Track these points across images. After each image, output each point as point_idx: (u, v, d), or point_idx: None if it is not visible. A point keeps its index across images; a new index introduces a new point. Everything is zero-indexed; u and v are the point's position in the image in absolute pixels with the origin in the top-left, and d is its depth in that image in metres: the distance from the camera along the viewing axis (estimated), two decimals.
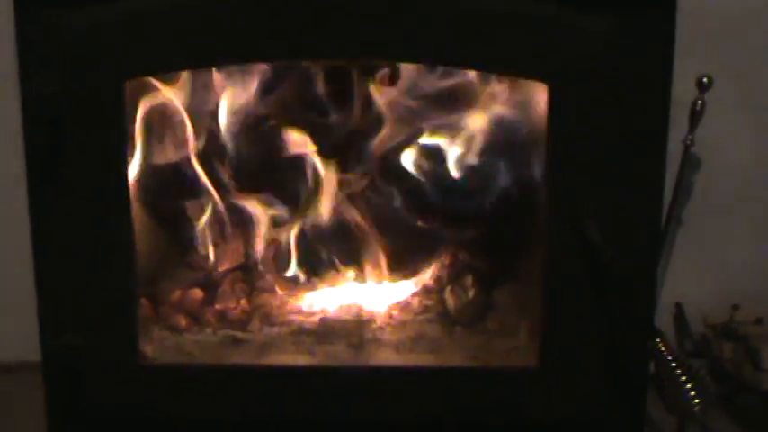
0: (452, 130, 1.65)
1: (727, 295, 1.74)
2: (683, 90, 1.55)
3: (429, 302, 1.68)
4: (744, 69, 1.72)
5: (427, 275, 1.70)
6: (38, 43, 1.40)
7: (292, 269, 1.70)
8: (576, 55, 1.41)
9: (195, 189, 1.66)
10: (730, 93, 1.69)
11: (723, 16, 1.69)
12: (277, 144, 1.66)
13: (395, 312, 1.66)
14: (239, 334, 1.60)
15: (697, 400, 1.43)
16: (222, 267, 1.69)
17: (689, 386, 1.42)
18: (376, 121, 1.65)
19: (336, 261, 1.70)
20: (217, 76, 1.62)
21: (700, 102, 1.61)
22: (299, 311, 1.66)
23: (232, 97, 1.63)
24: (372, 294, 1.68)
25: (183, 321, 1.62)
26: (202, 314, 1.64)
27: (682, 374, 1.43)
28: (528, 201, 1.56)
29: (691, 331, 1.78)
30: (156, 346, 1.56)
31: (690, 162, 1.66)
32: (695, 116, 1.62)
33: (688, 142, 1.63)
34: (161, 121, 1.60)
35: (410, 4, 1.39)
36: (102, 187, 1.45)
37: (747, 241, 1.79)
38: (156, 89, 1.56)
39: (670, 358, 1.44)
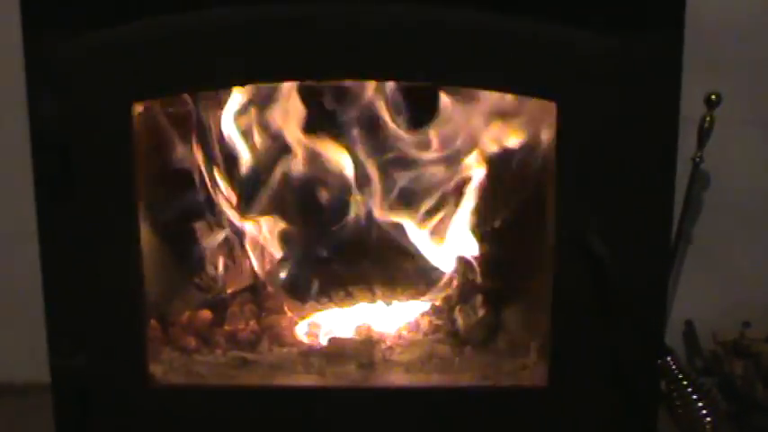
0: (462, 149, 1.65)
1: (737, 312, 1.74)
2: (692, 107, 1.55)
3: (439, 322, 1.68)
4: (752, 85, 1.71)
5: (437, 295, 1.70)
6: (45, 67, 1.40)
7: (302, 290, 1.70)
8: (585, 73, 1.41)
9: (205, 210, 1.67)
10: (739, 109, 1.69)
11: (732, 33, 1.69)
12: (287, 164, 1.67)
13: (404, 332, 1.66)
14: (248, 355, 1.60)
15: (708, 419, 1.42)
16: (231, 288, 1.70)
17: (700, 404, 1.42)
18: (386, 141, 1.65)
19: (346, 281, 1.70)
20: (227, 97, 1.62)
21: (708, 119, 1.61)
22: (309, 332, 1.66)
23: (242, 117, 1.63)
24: (382, 314, 1.68)
25: (192, 342, 1.62)
26: (212, 335, 1.64)
27: (693, 393, 1.42)
28: (537, 219, 1.56)
29: (701, 349, 1.77)
30: (165, 368, 1.56)
31: (699, 178, 1.66)
32: (704, 133, 1.62)
33: (697, 159, 1.63)
34: (170, 141, 1.60)
35: (418, 24, 1.40)
36: (111, 209, 1.45)
37: (757, 258, 1.78)
38: (166, 109, 1.57)
39: (681, 376, 1.44)
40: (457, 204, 1.68)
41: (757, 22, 1.69)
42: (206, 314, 1.67)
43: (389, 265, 1.69)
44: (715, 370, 1.72)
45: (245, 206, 1.68)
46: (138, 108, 1.46)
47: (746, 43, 1.70)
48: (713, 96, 1.60)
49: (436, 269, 1.69)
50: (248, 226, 1.69)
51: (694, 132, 1.62)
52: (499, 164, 1.64)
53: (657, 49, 1.41)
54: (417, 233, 1.68)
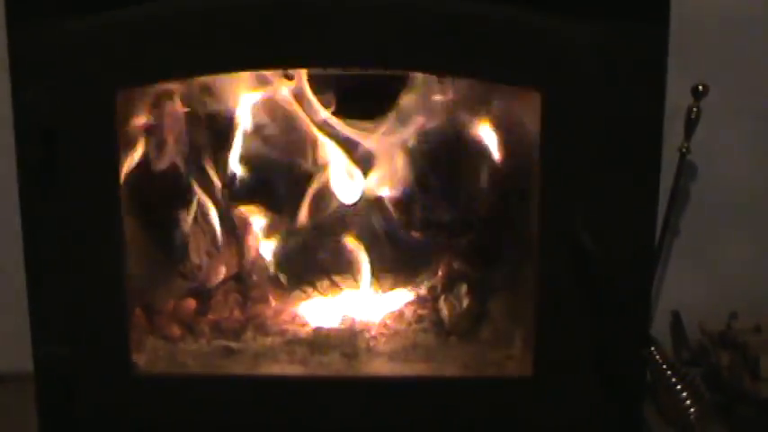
0: (445, 139, 1.64)
1: (724, 303, 1.74)
2: (679, 97, 1.54)
3: (423, 312, 1.67)
4: (740, 76, 1.71)
5: (421, 285, 1.70)
6: (30, 53, 1.40)
7: (285, 279, 1.69)
8: (570, 63, 1.40)
9: (189, 198, 1.66)
10: (727, 100, 1.68)
11: (719, 23, 1.69)
12: (271, 153, 1.66)
13: (389, 322, 1.65)
14: (233, 344, 1.59)
15: (693, 409, 1.43)
16: (216, 277, 1.69)
17: (684, 394, 1.42)
18: (369, 131, 1.65)
19: (330, 270, 1.70)
20: (212, 85, 1.62)
21: (695, 109, 1.61)
22: (293, 321, 1.65)
23: (228, 106, 1.63)
24: (366, 304, 1.68)
25: (176, 331, 1.61)
26: (196, 324, 1.63)
27: (677, 383, 1.42)
28: (522, 209, 1.56)
29: (688, 339, 1.77)
30: (149, 357, 1.56)
31: (686, 170, 1.66)
32: (690, 124, 1.62)
33: (684, 150, 1.62)
34: (155, 129, 1.60)
35: (401, 12, 1.39)
36: (95, 197, 1.45)
37: (744, 249, 1.78)
38: (150, 97, 1.56)
39: (665, 366, 1.44)
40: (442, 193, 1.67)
41: (745, 12, 1.69)
42: (190, 303, 1.66)
43: (374, 254, 1.69)
44: (702, 361, 1.72)
45: (230, 194, 1.68)
46: (124, 95, 1.45)
47: (734, 34, 1.69)
48: (700, 87, 1.60)
49: (421, 258, 1.69)
50: (233, 214, 1.69)
51: (681, 123, 1.61)
52: (484, 152, 1.63)
53: (643, 39, 1.41)
54: (401, 220, 1.68)
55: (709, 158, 1.72)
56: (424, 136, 1.66)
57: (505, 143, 1.60)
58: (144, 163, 1.58)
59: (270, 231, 1.70)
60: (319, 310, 1.67)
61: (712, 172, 1.74)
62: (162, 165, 1.62)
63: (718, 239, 1.78)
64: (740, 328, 1.69)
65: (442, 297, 1.68)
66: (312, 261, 1.70)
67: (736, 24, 1.69)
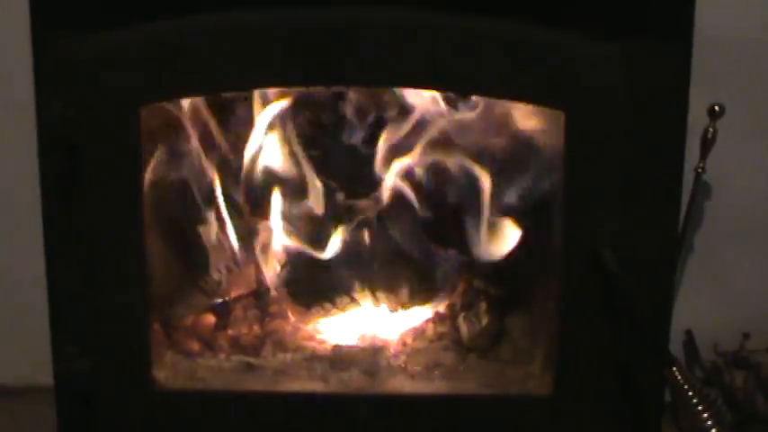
0: (468, 156, 1.65)
1: (737, 323, 1.74)
2: (695, 117, 1.55)
3: (443, 330, 1.67)
4: (756, 97, 1.72)
5: (441, 302, 1.70)
6: (54, 69, 1.40)
7: (305, 295, 1.69)
8: (594, 82, 1.41)
9: (209, 214, 1.66)
10: (743, 120, 1.69)
11: (737, 44, 1.69)
12: (291, 169, 1.66)
13: (409, 339, 1.65)
14: (252, 360, 1.59)
15: (713, 430, 1.42)
16: (235, 293, 1.69)
17: (705, 415, 1.42)
18: (390, 146, 1.65)
19: (350, 287, 1.69)
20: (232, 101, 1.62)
21: (711, 129, 1.61)
22: (313, 338, 1.65)
23: (247, 121, 1.63)
24: (386, 321, 1.68)
25: (195, 347, 1.62)
26: (215, 339, 1.64)
27: (698, 403, 1.42)
28: (543, 228, 1.56)
29: (701, 359, 1.77)
30: (168, 372, 1.55)
31: (701, 189, 1.67)
32: (707, 144, 1.62)
33: (699, 170, 1.63)
34: (176, 144, 1.60)
35: (428, 33, 1.40)
36: (117, 212, 1.45)
37: (759, 269, 1.78)
38: (172, 113, 1.56)
39: (686, 387, 1.44)
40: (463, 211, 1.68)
41: (761, 33, 1.70)
42: (210, 318, 1.66)
43: (394, 271, 1.69)
44: (715, 380, 1.72)
45: (250, 210, 1.68)
46: (146, 110, 1.46)
47: (751, 54, 1.70)
48: (716, 107, 1.60)
49: (441, 276, 1.69)
50: (253, 230, 1.69)
51: (697, 143, 1.62)
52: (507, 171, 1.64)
53: (665, 60, 1.42)
54: (422, 240, 1.68)
55: (725, 178, 1.72)
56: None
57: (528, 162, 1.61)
58: (166, 178, 1.58)
59: (290, 247, 1.69)
60: (339, 327, 1.67)
61: (727, 191, 1.74)
62: (183, 180, 1.62)
63: (732, 259, 1.78)
64: (754, 347, 1.69)
65: (462, 315, 1.68)
66: (332, 277, 1.69)
67: (754, 45, 1.69)
